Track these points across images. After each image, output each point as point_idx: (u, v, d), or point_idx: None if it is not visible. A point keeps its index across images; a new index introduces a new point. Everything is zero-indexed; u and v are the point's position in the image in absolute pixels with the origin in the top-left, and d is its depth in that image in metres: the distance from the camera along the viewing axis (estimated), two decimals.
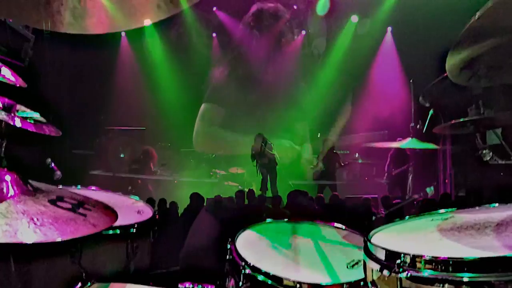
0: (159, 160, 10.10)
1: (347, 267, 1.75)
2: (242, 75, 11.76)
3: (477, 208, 1.66)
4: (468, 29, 1.37)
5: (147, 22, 1.98)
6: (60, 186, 2.02)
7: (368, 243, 1.38)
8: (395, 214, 4.15)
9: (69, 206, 1.33)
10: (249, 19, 11.33)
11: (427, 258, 1.16)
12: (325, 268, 1.79)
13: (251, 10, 11.23)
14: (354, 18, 10.92)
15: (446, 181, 8.24)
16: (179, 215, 5.48)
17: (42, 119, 2.13)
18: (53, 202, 1.31)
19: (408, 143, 3.82)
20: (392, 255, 1.25)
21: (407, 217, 1.69)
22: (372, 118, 9.65)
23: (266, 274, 1.65)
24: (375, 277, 1.34)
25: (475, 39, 1.42)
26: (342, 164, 9.49)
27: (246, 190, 7.03)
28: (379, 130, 9.38)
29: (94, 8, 1.46)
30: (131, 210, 2.35)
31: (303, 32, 11.74)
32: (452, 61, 1.58)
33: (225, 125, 11.46)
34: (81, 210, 1.34)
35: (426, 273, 1.16)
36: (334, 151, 9.59)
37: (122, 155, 9.94)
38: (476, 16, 1.32)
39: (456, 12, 6.73)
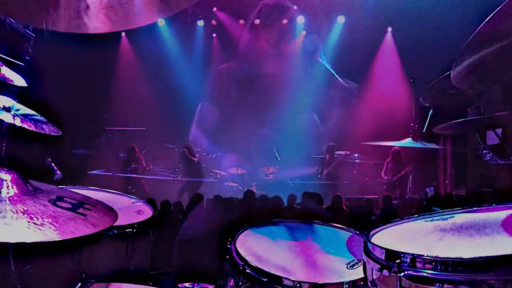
0: (148, 159, 10.00)
1: (347, 267, 1.75)
2: (242, 75, 11.76)
3: (477, 208, 1.66)
4: (472, 39, 1.38)
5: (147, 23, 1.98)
6: (60, 186, 2.02)
7: (368, 243, 1.38)
8: (393, 214, 4.16)
9: (69, 206, 1.34)
10: (254, 17, 11.29)
11: (427, 258, 1.17)
12: (325, 267, 1.79)
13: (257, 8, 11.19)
14: (355, 18, 10.92)
15: (446, 181, 8.24)
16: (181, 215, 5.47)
17: (42, 118, 2.13)
18: (53, 202, 1.32)
19: (408, 142, 3.83)
20: (392, 255, 1.25)
21: (406, 217, 1.69)
22: (372, 117, 9.65)
23: (266, 274, 1.65)
24: (375, 277, 1.34)
25: (480, 47, 1.42)
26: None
27: (245, 190, 7.03)
28: (380, 129, 9.39)
29: (95, 7, 1.46)
30: (131, 210, 2.35)
31: (303, 32, 11.74)
32: (457, 70, 1.59)
33: (223, 123, 11.47)
34: (81, 210, 1.34)
35: (426, 273, 1.16)
36: (335, 155, 9.75)
37: (122, 155, 9.93)
38: (483, 23, 1.32)
39: (456, 11, 6.74)
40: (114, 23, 1.47)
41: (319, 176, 9.95)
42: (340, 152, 9.92)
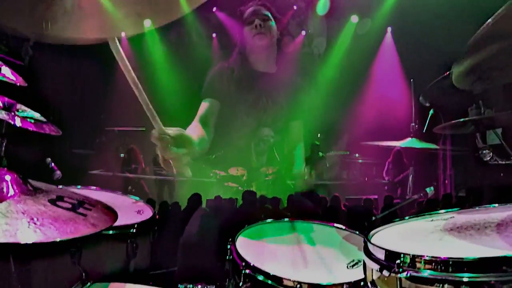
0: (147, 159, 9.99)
1: (347, 267, 1.75)
2: (241, 75, 11.74)
3: (477, 208, 1.66)
4: (474, 39, 1.36)
5: (147, 23, 1.97)
6: (60, 186, 2.02)
7: (368, 243, 1.38)
8: (394, 214, 4.16)
9: (69, 205, 1.33)
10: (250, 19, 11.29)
11: (427, 258, 1.16)
12: (325, 268, 1.79)
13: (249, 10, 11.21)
14: (354, 18, 10.92)
15: (446, 181, 8.25)
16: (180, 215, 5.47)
17: (42, 118, 2.13)
18: (53, 201, 1.31)
19: (408, 143, 3.82)
20: (392, 255, 1.25)
21: (407, 217, 1.69)
22: (372, 117, 9.65)
23: (266, 274, 1.65)
24: (374, 277, 1.34)
25: (481, 47, 1.41)
26: (328, 165, 9.74)
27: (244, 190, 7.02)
28: (379, 129, 9.41)
29: (91, 11, 1.42)
30: (131, 210, 2.35)
31: (303, 32, 11.73)
32: (458, 71, 1.57)
33: (223, 123, 11.46)
34: (81, 210, 1.33)
35: (426, 273, 1.16)
36: (321, 155, 9.79)
37: (122, 155, 9.93)
38: (486, 24, 1.31)
39: (456, 11, 6.73)
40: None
41: (305, 177, 9.98)
42: (333, 153, 9.94)
